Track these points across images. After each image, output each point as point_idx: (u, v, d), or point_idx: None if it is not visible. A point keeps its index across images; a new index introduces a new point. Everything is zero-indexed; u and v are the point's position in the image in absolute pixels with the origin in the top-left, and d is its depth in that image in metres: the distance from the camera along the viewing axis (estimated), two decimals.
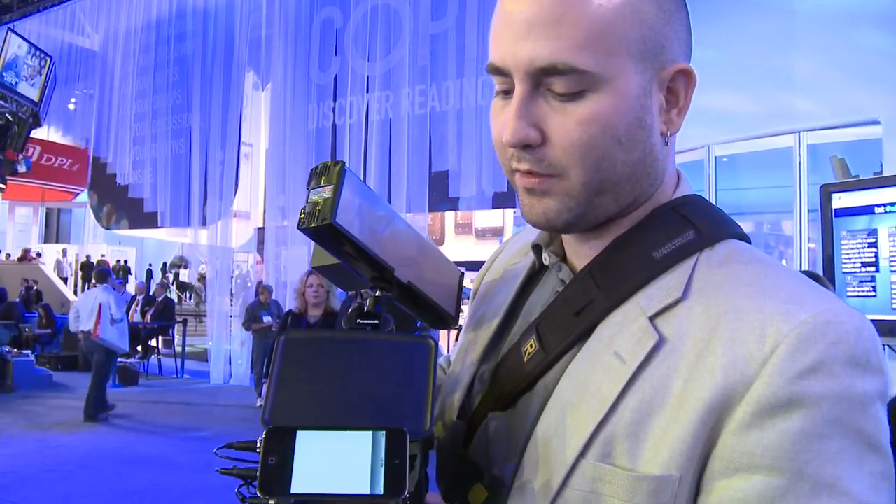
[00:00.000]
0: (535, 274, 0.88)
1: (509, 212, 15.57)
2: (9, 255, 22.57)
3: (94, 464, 6.61)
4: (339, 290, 10.69)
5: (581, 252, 0.80)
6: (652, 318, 0.69)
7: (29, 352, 12.35)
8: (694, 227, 0.73)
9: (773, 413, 0.60)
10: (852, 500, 0.58)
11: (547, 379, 0.75)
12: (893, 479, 0.61)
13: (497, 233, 19.01)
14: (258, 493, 0.61)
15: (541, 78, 0.68)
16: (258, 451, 0.63)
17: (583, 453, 0.66)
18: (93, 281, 9.58)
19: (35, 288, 17.90)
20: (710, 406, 0.63)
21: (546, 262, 0.84)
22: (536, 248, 0.86)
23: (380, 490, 0.60)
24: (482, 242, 18.83)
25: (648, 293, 0.71)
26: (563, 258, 0.83)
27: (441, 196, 9.72)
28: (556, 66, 0.66)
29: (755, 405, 0.61)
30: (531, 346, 0.77)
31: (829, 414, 0.59)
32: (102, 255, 22.07)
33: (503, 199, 9.38)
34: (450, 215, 18.48)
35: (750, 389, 0.61)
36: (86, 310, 8.65)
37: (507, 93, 0.72)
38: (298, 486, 0.60)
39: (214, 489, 5.31)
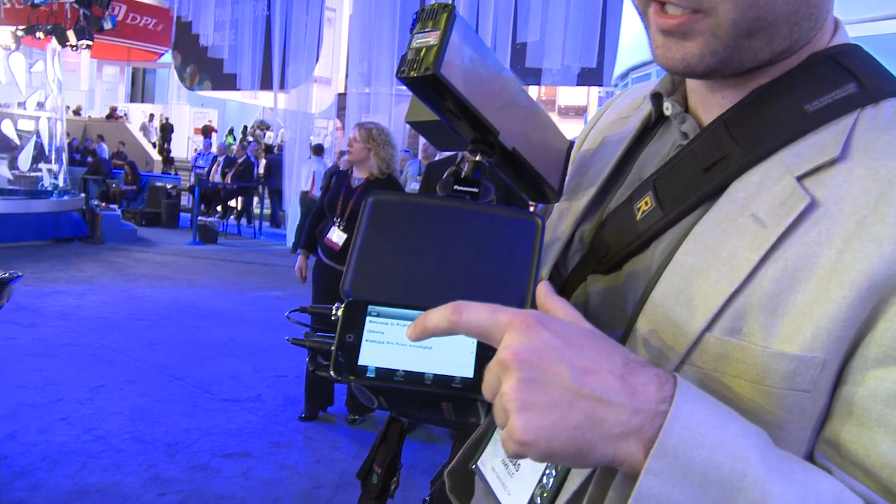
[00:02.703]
0: (649, 129, 0.83)
1: (594, 90, 15.20)
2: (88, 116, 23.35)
3: (175, 315, 7.01)
4: (405, 154, 10.60)
5: (711, 102, 0.73)
6: (800, 179, 0.63)
7: (115, 206, 12.90)
8: (856, 79, 0.66)
9: None
10: None
11: (664, 241, 0.71)
12: None
13: (580, 112, 18.74)
14: (331, 372, 0.61)
15: None
16: (333, 318, 0.64)
17: (709, 326, 0.62)
18: (310, 154, 11.43)
19: (122, 148, 18.64)
20: (872, 281, 0.57)
21: (667, 113, 0.79)
22: (656, 97, 0.80)
23: (469, 374, 0.59)
24: (565, 121, 18.65)
25: (796, 150, 0.64)
26: (686, 109, 0.77)
27: (523, 69, 9.41)
28: None
29: None
30: (646, 203, 0.73)
31: None
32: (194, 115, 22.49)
33: (589, 77, 9.05)
34: (532, 90, 18.15)
35: None
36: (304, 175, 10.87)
37: None
38: (374, 369, 0.61)
39: (287, 347, 5.57)
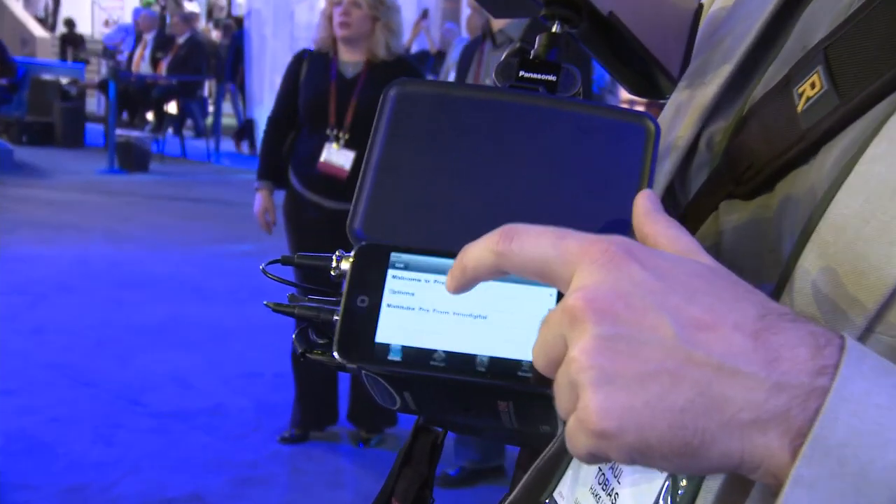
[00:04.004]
0: None
1: None
2: None
3: (81, 285, 7.15)
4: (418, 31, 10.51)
5: None
6: None
7: None
8: None
9: None
10: None
11: (840, 143, 0.72)
12: None
13: None
14: (335, 354, 0.65)
15: None
16: (335, 272, 0.70)
17: None
18: None
19: None
20: None
21: None
22: None
23: None
24: None
25: None
26: None
27: None
28: None
29: None
30: (812, 85, 0.74)
31: None
32: None
33: None
34: None
35: None
36: None
37: None
38: (399, 348, 0.64)
39: (263, 331, 5.77)
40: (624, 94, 4.88)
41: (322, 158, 4.34)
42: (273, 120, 4.71)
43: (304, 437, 4.66)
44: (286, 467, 4.41)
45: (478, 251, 0.57)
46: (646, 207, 0.61)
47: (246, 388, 5.32)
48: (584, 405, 0.52)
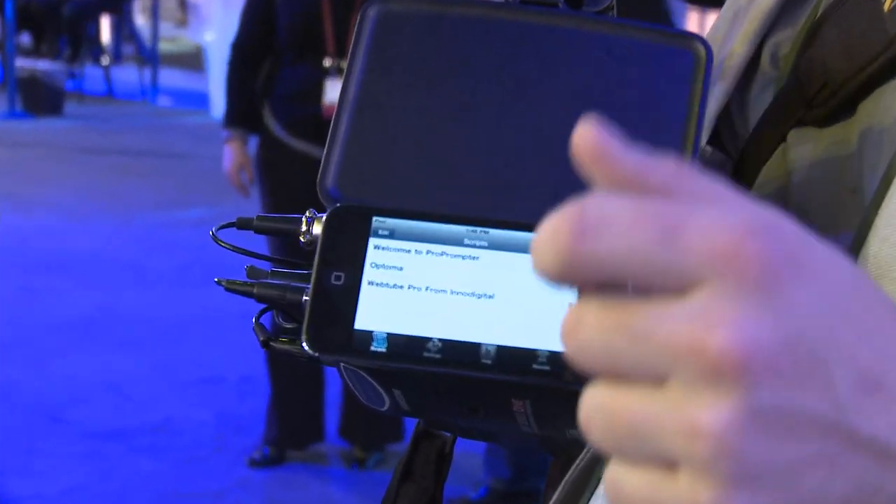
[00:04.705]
0: None
1: None
2: None
3: None
4: None
5: None
6: None
7: None
8: None
9: None
10: None
11: None
12: None
13: None
14: (303, 344, 0.68)
15: None
16: (304, 238, 0.73)
17: None
18: None
19: None
20: None
21: None
22: None
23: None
24: None
25: None
26: None
27: None
28: None
29: None
30: None
31: None
32: None
33: None
34: None
35: None
36: None
37: None
38: (384, 337, 0.67)
39: (216, 320, 5.83)
40: None
41: (326, 100, 4.31)
42: (239, 47, 4.68)
43: (280, 458, 4.66)
44: (258, 498, 4.43)
45: (545, 246, 0.47)
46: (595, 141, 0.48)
47: (203, 396, 5.33)
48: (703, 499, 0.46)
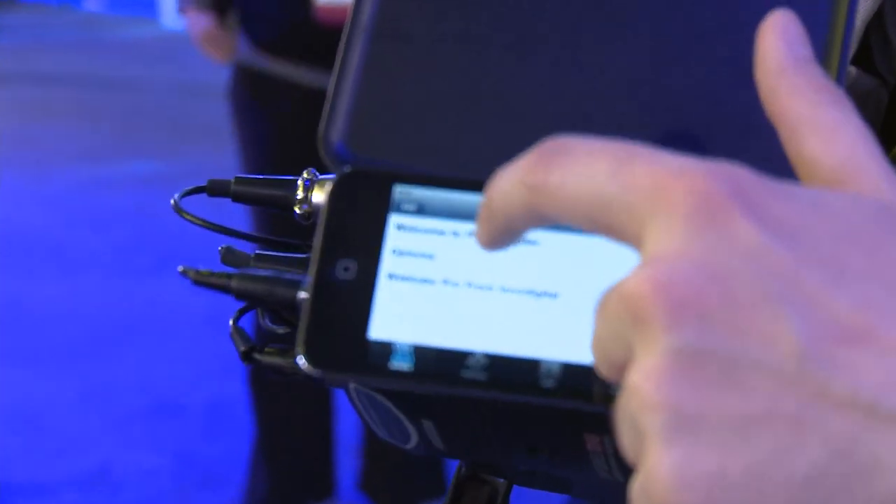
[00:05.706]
0: None
1: None
2: None
3: None
4: None
5: None
6: None
7: None
8: None
9: None
10: None
11: None
12: None
13: None
14: (298, 358, 0.66)
15: None
16: (299, 207, 0.72)
17: None
18: None
19: None
20: None
21: None
22: None
23: None
24: None
25: None
26: None
27: None
28: None
29: None
30: None
31: None
32: None
33: None
34: None
35: None
36: None
37: None
38: (409, 349, 0.65)
39: (173, 323, 5.59)
40: None
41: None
42: None
43: None
44: None
45: (506, 184, 0.53)
46: (781, 51, 0.54)
47: (154, 434, 4.81)
48: (652, 465, 0.48)
